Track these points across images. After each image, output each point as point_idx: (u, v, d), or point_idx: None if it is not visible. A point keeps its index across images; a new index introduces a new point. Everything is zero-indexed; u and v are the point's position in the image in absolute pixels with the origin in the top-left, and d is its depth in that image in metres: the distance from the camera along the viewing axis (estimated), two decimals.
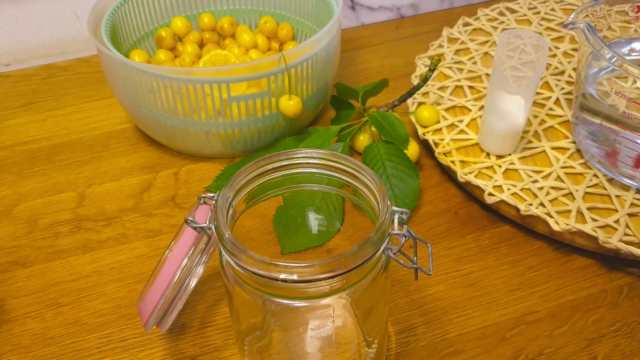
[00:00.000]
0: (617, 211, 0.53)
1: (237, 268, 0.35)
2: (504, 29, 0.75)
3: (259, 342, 0.42)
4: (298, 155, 0.40)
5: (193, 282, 0.41)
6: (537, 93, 0.65)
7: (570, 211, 0.53)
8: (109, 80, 0.62)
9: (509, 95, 0.55)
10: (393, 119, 0.59)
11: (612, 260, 0.53)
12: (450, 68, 0.70)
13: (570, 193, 0.55)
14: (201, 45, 0.71)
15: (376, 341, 0.43)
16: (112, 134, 0.67)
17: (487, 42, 0.73)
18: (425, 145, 0.63)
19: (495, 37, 0.74)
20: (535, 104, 0.64)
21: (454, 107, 0.65)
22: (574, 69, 0.68)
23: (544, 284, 0.51)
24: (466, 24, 0.77)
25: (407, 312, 0.49)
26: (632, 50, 0.61)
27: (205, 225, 0.38)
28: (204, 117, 0.58)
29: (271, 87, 0.58)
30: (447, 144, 0.60)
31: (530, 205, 0.53)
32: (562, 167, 0.57)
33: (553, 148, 0.59)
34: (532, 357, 0.46)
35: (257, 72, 0.57)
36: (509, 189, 0.55)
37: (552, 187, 0.55)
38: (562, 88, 0.66)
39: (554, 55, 0.71)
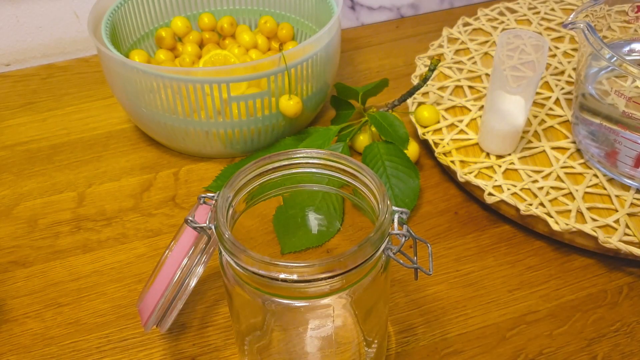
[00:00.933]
0: (617, 211, 0.53)
1: (237, 268, 0.35)
2: (504, 29, 0.75)
3: (259, 342, 0.42)
4: (298, 155, 0.40)
5: (193, 282, 0.41)
6: (537, 93, 0.65)
7: (570, 211, 0.53)
8: (109, 80, 0.62)
9: (509, 95, 0.55)
10: (393, 119, 0.59)
11: (612, 260, 0.53)
12: (450, 68, 0.70)
13: (570, 193, 0.55)
14: (201, 45, 0.71)
15: (376, 341, 0.43)
16: (112, 134, 0.67)
17: (487, 42, 0.73)
18: (425, 145, 0.63)
19: (495, 37, 0.74)
20: (535, 104, 0.64)
21: (454, 107, 0.65)
22: (574, 69, 0.68)
23: (544, 284, 0.51)
24: (466, 24, 0.77)
25: (407, 312, 0.49)
26: (632, 50, 0.61)
27: (205, 225, 0.38)
28: (204, 117, 0.58)
29: (271, 87, 0.58)
30: (447, 144, 0.60)
31: (530, 205, 0.53)
32: (562, 167, 0.57)
33: (553, 148, 0.59)
34: (532, 357, 0.46)
35: (257, 72, 0.57)
36: (508, 189, 0.55)
37: (552, 187, 0.55)
38: (562, 88, 0.66)
39: (554, 55, 0.71)
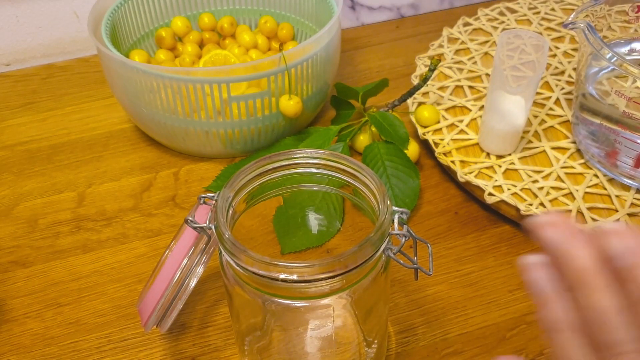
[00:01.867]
0: (617, 211, 0.53)
1: (237, 268, 0.35)
2: (504, 29, 0.75)
3: (259, 342, 0.42)
4: (298, 155, 0.40)
5: (193, 282, 0.41)
6: (537, 93, 0.65)
7: (570, 211, 0.53)
8: (109, 80, 0.62)
9: (509, 95, 0.55)
10: (393, 119, 0.59)
11: None
12: (450, 68, 0.70)
13: (570, 193, 0.55)
14: (201, 45, 0.71)
15: (376, 341, 0.43)
16: (112, 134, 0.67)
17: (487, 42, 0.73)
18: (425, 145, 0.63)
19: (495, 37, 0.74)
20: (535, 104, 0.64)
21: (454, 107, 0.65)
22: (574, 69, 0.68)
23: None
24: (466, 24, 0.77)
25: (407, 312, 0.49)
26: (632, 50, 0.61)
27: (205, 225, 0.38)
28: (204, 117, 0.58)
29: (271, 87, 0.58)
30: (447, 144, 0.60)
31: (530, 205, 0.53)
32: (562, 167, 0.57)
33: (553, 148, 0.59)
34: (532, 357, 0.46)
35: (257, 72, 0.57)
36: (509, 189, 0.55)
37: (552, 187, 0.55)
38: (562, 88, 0.66)
39: (554, 55, 0.71)
